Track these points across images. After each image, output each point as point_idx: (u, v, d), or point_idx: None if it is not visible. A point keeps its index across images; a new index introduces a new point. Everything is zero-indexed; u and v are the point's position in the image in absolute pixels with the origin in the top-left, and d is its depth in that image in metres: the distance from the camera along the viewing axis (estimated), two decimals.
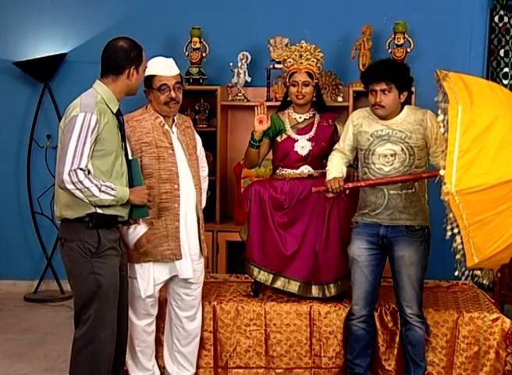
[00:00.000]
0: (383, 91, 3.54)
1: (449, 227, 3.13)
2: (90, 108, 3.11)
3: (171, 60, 3.66)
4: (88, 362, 3.22)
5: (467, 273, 3.25)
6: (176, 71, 3.64)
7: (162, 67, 3.59)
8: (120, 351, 3.43)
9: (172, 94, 3.59)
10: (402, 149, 3.58)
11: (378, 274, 3.74)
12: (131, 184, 3.32)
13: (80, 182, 3.05)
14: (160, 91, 3.59)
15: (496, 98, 3.26)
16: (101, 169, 3.16)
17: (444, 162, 3.04)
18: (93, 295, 3.19)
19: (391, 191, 3.61)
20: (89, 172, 3.09)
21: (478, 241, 3.09)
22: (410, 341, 3.71)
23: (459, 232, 3.09)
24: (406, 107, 3.66)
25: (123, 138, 3.33)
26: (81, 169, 3.06)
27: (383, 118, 3.62)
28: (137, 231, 3.43)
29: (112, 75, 3.25)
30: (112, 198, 3.15)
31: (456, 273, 3.25)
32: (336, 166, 3.78)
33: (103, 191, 3.11)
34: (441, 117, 3.13)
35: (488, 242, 3.11)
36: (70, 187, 3.05)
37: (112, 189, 3.14)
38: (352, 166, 3.94)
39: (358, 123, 3.70)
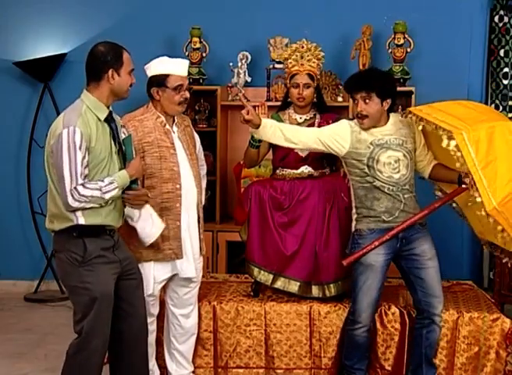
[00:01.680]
0: (364, 99, 3.56)
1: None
2: (72, 122, 3.10)
3: (187, 61, 3.67)
4: (77, 369, 3.22)
5: None
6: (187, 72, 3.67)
7: (180, 67, 3.58)
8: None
9: (187, 94, 3.60)
10: (404, 154, 3.61)
11: (385, 279, 3.73)
12: (125, 162, 3.32)
13: (83, 196, 3.09)
14: (175, 90, 3.58)
15: (473, 112, 3.53)
16: (92, 176, 3.17)
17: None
18: (87, 305, 3.18)
19: (405, 195, 3.62)
20: (85, 177, 3.11)
21: None
22: (430, 343, 3.70)
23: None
24: (391, 115, 3.68)
25: (120, 144, 3.30)
26: (79, 184, 3.09)
27: (373, 127, 3.62)
28: (155, 231, 3.45)
29: (93, 82, 3.23)
30: (116, 190, 3.17)
31: None
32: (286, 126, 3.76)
33: (106, 192, 3.13)
34: (452, 145, 3.29)
35: None
36: (76, 204, 3.11)
37: (112, 183, 3.15)
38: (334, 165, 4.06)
39: (357, 130, 3.65)
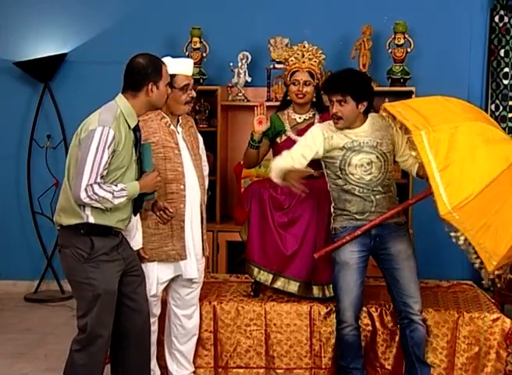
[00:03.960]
0: (339, 101, 3.57)
1: (461, 242, 3.24)
2: (108, 123, 3.14)
3: (191, 60, 3.69)
4: (82, 366, 3.23)
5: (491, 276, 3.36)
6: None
7: (185, 66, 3.59)
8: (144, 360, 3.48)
9: (193, 93, 3.61)
10: (377, 157, 3.62)
11: (365, 277, 3.74)
12: (142, 170, 3.34)
13: (96, 194, 3.11)
14: (183, 90, 3.58)
15: (447, 110, 3.41)
16: (108, 179, 3.20)
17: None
18: (91, 301, 3.20)
19: (377, 196, 3.63)
20: (102, 177, 3.14)
21: (489, 244, 3.21)
22: (415, 342, 3.69)
23: (470, 243, 3.21)
24: (369, 116, 3.68)
25: (140, 154, 3.33)
26: (96, 182, 3.12)
27: (348, 129, 3.63)
28: (135, 241, 3.52)
29: (130, 91, 3.26)
30: (125, 198, 3.21)
31: (484, 282, 3.37)
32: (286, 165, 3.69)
33: (116, 197, 3.17)
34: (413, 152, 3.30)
35: (499, 242, 3.22)
36: (87, 200, 3.12)
37: (123, 190, 3.19)
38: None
39: (328, 136, 3.66)
